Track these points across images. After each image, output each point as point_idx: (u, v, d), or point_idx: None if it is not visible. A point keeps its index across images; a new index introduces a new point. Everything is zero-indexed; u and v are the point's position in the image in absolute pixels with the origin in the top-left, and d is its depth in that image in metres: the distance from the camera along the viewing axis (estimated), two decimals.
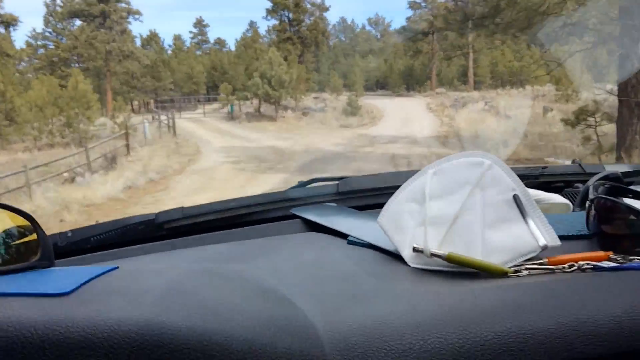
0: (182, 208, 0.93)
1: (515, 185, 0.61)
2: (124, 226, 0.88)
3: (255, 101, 24.47)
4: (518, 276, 0.56)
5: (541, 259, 0.57)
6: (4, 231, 0.53)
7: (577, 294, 0.49)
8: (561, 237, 0.60)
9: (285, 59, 27.53)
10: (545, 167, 1.10)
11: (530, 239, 0.58)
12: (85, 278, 0.48)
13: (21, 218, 0.54)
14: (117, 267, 0.53)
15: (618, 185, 0.78)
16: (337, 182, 1.04)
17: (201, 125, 22.68)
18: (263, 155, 12.46)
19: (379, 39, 66.21)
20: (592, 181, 0.84)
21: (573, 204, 0.89)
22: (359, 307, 0.50)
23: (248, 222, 0.94)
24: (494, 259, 0.57)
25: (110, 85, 37.62)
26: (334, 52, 58.46)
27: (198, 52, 57.39)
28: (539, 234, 0.58)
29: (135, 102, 40.75)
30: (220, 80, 34.87)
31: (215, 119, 26.33)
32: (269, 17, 45.76)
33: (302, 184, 1.11)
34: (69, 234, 0.86)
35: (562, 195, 0.91)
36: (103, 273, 0.50)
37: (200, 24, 61.58)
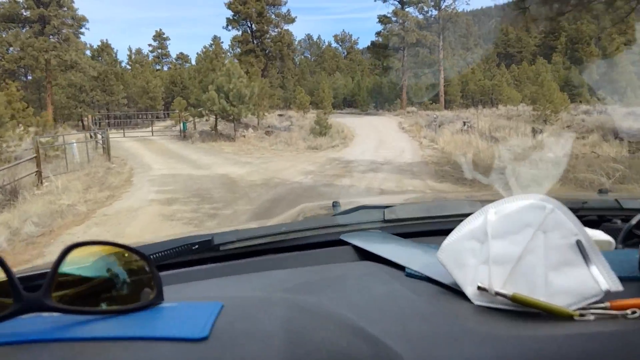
0: (236, 230, 0.98)
1: (578, 230, 0.61)
2: (181, 246, 0.89)
3: (212, 118, 21.46)
4: (583, 320, 0.56)
5: (603, 303, 0.58)
6: (117, 269, 0.53)
7: None
8: None
9: (247, 72, 24.73)
10: (585, 202, 1.14)
11: (593, 283, 0.59)
12: (207, 318, 0.48)
13: (130, 253, 0.53)
14: (222, 304, 0.53)
15: None
16: (383, 209, 1.09)
17: (146, 146, 19.51)
18: (209, 189, 9.54)
19: (345, 57, 64.67)
20: (635, 220, 0.95)
21: (615, 240, 0.92)
22: (449, 349, 0.51)
23: (297, 246, 0.97)
24: (558, 301, 0.58)
25: (50, 98, 33.74)
26: (300, 68, 56.24)
27: (157, 66, 53.92)
28: (602, 278, 0.59)
29: (86, 118, 37.00)
30: (180, 96, 31.74)
31: (166, 138, 23.19)
32: (229, 27, 42.59)
33: (349, 211, 1.17)
34: None
35: (601, 231, 0.96)
36: (219, 311, 0.51)
37: (160, 37, 57.97)
